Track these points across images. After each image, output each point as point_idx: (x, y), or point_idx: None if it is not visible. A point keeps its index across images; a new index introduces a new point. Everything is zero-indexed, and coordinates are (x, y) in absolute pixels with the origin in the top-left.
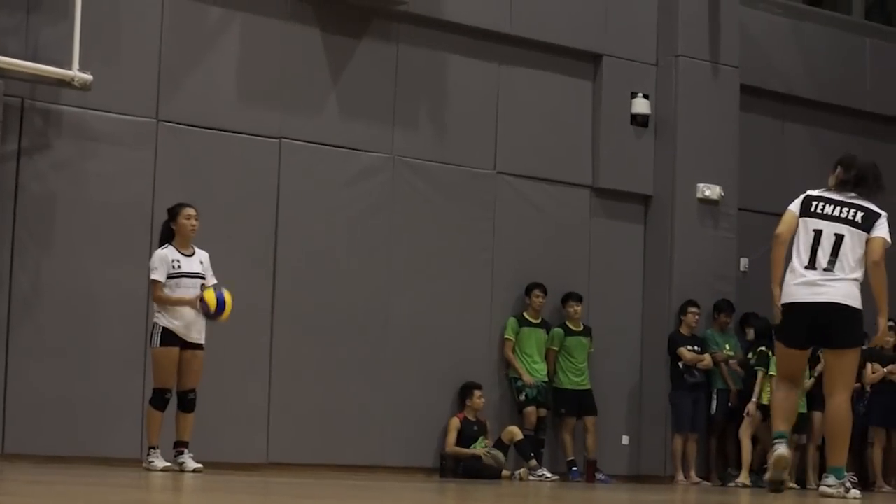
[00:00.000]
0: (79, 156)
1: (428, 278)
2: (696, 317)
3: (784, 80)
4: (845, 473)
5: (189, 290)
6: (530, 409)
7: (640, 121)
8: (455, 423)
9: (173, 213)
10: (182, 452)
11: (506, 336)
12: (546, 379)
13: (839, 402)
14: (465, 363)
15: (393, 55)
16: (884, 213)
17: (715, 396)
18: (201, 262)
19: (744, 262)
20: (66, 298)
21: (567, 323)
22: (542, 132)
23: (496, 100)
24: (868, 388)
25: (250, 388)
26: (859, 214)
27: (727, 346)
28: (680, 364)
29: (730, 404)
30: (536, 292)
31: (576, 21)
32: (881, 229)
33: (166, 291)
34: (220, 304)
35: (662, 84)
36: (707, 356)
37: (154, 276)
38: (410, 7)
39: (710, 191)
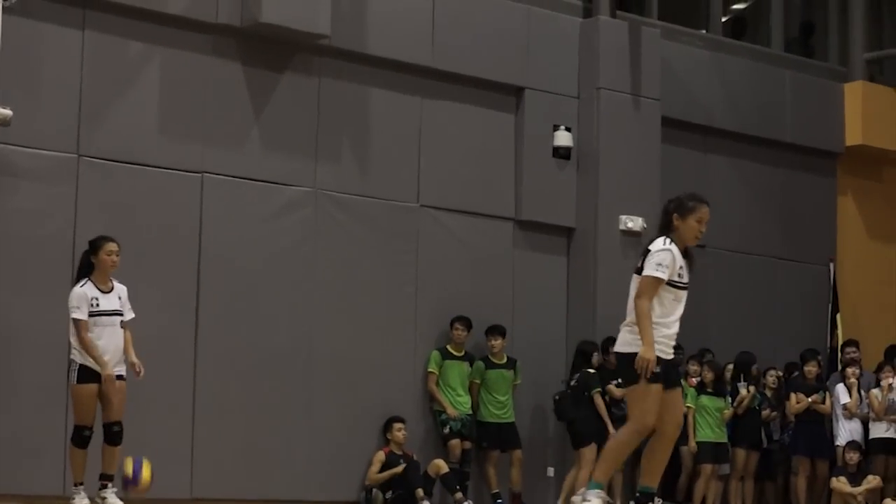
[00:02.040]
0: (0, 191)
1: (351, 312)
2: None
3: (706, 112)
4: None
5: (107, 328)
6: (454, 443)
7: (562, 153)
8: (380, 456)
9: (95, 246)
10: (105, 486)
11: (429, 369)
12: (470, 412)
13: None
14: (389, 397)
15: (315, 89)
16: (655, 248)
17: None
18: (119, 298)
19: None
20: None
21: (489, 356)
22: (464, 165)
23: (419, 133)
24: (792, 418)
25: (173, 424)
26: (640, 261)
27: None
28: (606, 398)
29: None
30: (458, 325)
31: (497, 54)
32: (646, 267)
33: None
34: (135, 474)
35: (584, 117)
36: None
37: (76, 316)
38: (332, 41)
39: (633, 223)
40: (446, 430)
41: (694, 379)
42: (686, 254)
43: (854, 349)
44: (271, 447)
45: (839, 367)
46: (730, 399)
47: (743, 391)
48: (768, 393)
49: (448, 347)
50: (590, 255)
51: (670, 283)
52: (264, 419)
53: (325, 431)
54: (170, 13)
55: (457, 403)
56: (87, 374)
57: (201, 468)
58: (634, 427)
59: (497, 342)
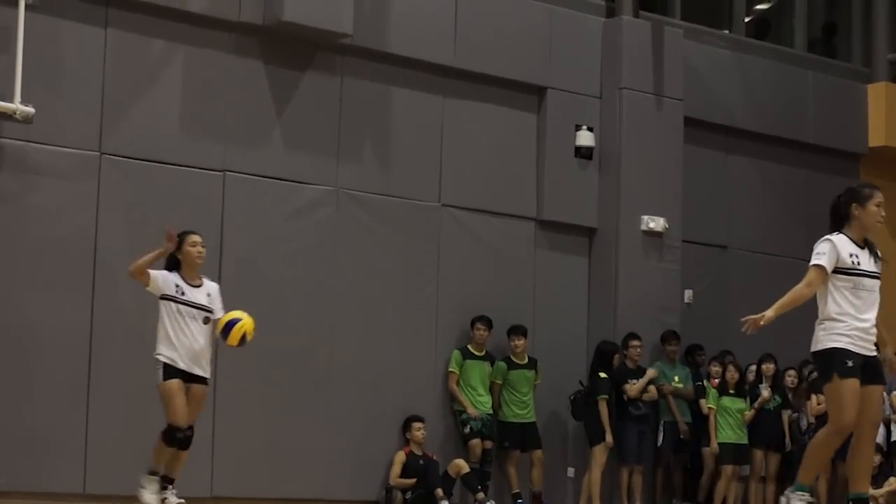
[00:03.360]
0: (21, 189)
1: (372, 311)
2: (638, 349)
3: (728, 112)
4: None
5: (190, 322)
6: (475, 442)
7: (584, 153)
8: (400, 456)
9: (177, 242)
10: (166, 488)
11: (450, 369)
12: (491, 411)
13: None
14: (410, 396)
15: (337, 88)
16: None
17: (661, 428)
18: (209, 295)
19: (688, 293)
20: (7, 331)
21: (511, 356)
22: (486, 165)
23: (440, 132)
24: (813, 420)
25: (196, 421)
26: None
27: (675, 378)
28: (625, 396)
29: (681, 437)
30: (479, 325)
31: (520, 54)
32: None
33: (164, 317)
34: (227, 328)
35: (606, 117)
36: (652, 388)
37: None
38: (355, 40)
39: (655, 223)
40: (467, 430)
41: (715, 380)
42: (866, 243)
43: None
44: (291, 446)
45: None
46: (750, 400)
47: (765, 393)
48: (789, 394)
49: (469, 347)
50: (611, 256)
51: (843, 272)
52: (284, 418)
53: (345, 431)
54: (192, 11)
55: (477, 403)
56: (173, 371)
57: (221, 467)
58: (832, 427)
59: (520, 342)
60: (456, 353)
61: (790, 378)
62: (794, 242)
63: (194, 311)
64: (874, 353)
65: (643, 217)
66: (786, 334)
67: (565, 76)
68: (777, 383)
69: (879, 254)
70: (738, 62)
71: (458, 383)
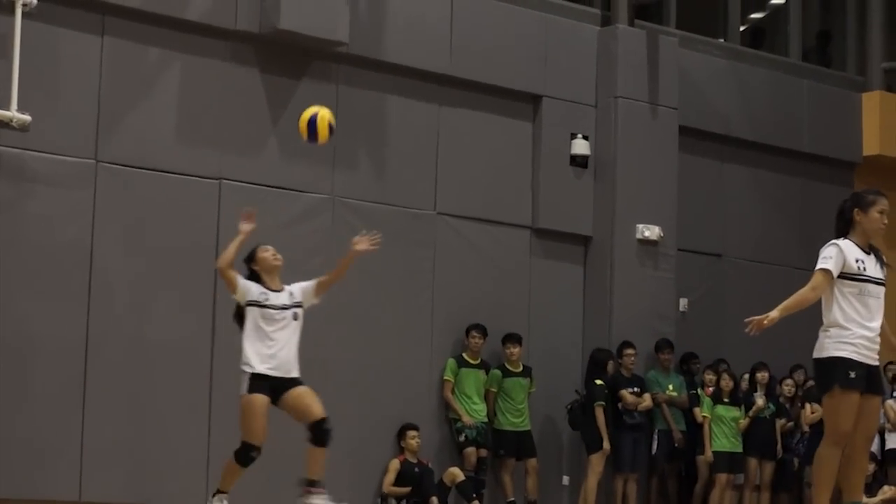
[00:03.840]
0: (17, 197)
1: (367, 319)
2: (633, 358)
3: (723, 121)
4: None
5: (280, 323)
6: (470, 450)
7: (579, 162)
8: (395, 464)
9: (250, 256)
10: (310, 493)
11: (445, 377)
12: (486, 420)
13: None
14: (405, 404)
15: (333, 96)
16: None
17: (656, 437)
18: (291, 293)
19: (683, 302)
20: (2, 339)
21: (506, 364)
22: (482, 173)
23: (436, 141)
24: (807, 429)
25: (190, 431)
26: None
27: (670, 387)
28: (619, 405)
29: (676, 445)
30: (474, 333)
31: (515, 62)
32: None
33: (248, 326)
34: (311, 129)
35: (602, 125)
36: (647, 397)
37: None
38: (350, 48)
39: (650, 231)
40: (462, 438)
41: (710, 388)
42: (871, 249)
43: None
44: (287, 454)
45: None
46: (745, 409)
47: (759, 401)
48: (785, 403)
49: (464, 355)
50: (606, 264)
51: (849, 277)
52: (280, 426)
53: (340, 439)
54: (189, 19)
55: (472, 411)
56: (259, 385)
57: (217, 474)
58: (829, 439)
59: (515, 350)
60: (451, 362)
61: (787, 387)
62: (789, 251)
63: (283, 311)
64: (876, 363)
65: (638, 225)
66: (780, 343)
67: (561, 85)
68: (771, 392)
69: (885, 260)
70: (733, 71)
71: (453, 391)
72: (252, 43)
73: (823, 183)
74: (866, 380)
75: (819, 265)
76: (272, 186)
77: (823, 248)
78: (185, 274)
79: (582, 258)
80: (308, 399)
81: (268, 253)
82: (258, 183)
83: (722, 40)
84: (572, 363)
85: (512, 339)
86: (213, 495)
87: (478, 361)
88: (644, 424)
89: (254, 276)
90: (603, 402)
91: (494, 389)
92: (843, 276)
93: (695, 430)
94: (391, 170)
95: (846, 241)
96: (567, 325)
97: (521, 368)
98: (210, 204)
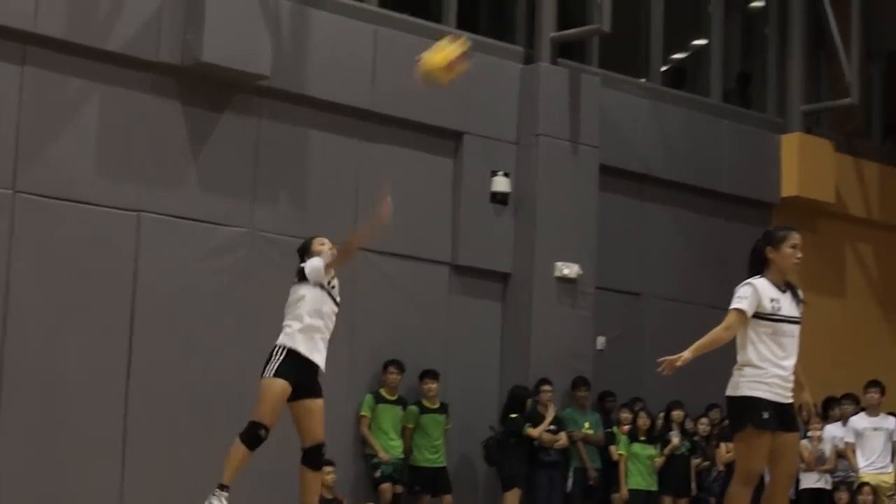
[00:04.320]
0: None
1: None
2: (549, 395)
3: (643, 160)
4: None
5: (331, 318)
6: (386, 486)
7: (499, 199)
8: None
9: (306, 247)
10: None
11: (361, 413)
12: (402, 456)
13: (730, 485)
14: (326, 441)
15: (254, 129)
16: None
17: (571, 475)
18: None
19: (601, 340)
20: None
21: (423, 400)
22: (402, 209)
23: (357, 176)
24: (722, 468)
25: (103, 465)
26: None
27: (586, 425)
28: (535, 442)
29: (591, 483)
30: (391, 369)
31: (437, 99)
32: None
33: (307, 306)
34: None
35: (523, 163)
36: (563, 435)
37: None
38: (272, 82)
39: (569, 269)
40: (378, 474)
41: (626, 426)
42: (788, 286)
43: None
44: (204, 488)
45: None
46: (660, 447)
47: (675, 440)
48: (700, 441)
49: (381, 391)
50: (525, 301)
51: (763, 317)
52: (196, 460)
53: (255, 473)
54: (110, 50)
55: (388, 447)
56: (287, 369)
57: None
58: (739, 477)
59: (432, 386)
60: (368, 397)
61: (703, 426)
62: (706, 290)
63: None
64: (790, 401)
65: (557, 263)
66: (697, 382)
67: (482, 122)
68: (687, 430)
69: (801, 297)
70: (655, 111)
71: (369, 427)
72: (174, 75)
73: (742, 223)
74: (780, 418)
75: (733, 304)
76: (192, 219)
77: (738, 287)
78: (102, 305)
79: (501, 295)
80: (318, 419)
81: (325, 246)
82: (177, 215)
83: (644, 80)
84: (489, 400)
85: (430, 375)
86: (215, 492)
87: (395, 397)
88: (559, 463)
89: None
90: (529, 424)
91: (411, 425)
92: (758, 315)
93: (610, 468)
94: (311, 204)
95: (762, 280)
96: (485, 362)
97: (437, 405)
98: (128, 236)
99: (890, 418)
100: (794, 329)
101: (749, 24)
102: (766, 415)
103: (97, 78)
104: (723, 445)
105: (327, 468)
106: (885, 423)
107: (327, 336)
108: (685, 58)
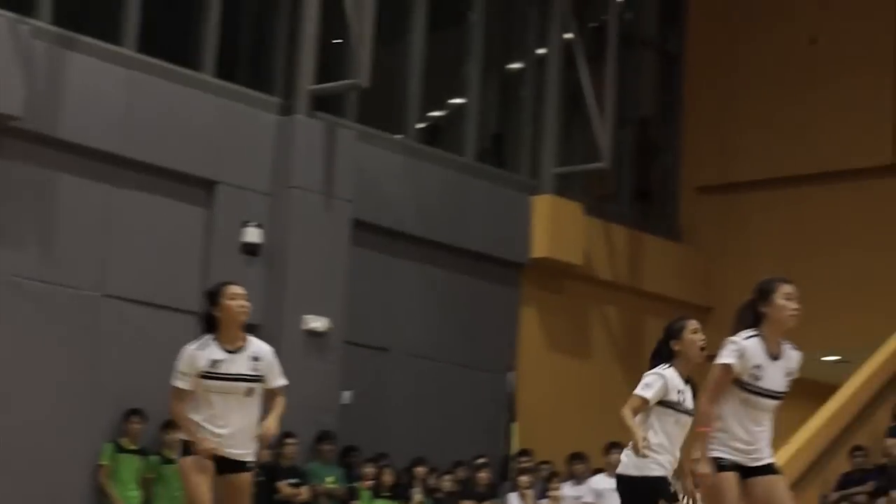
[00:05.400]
0: None
1: (25, 400)
2: (293, 447)
3: (397, 216)
4: None
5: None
6: None
7: (250, 250)
8: None
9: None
10: None
11: (101, 462)
12: None
13: None
14: (60, 489)
15: (2, 170)
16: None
17: None
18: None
19: (347, 394)
20: None
21: (165, 451)
22: (151, 256)
23: (107, 222)
24: None
25: None
26: None
27: (329, 479)
28: (275, 496)
29: None
30: (133, 418)
31: (191, 147)
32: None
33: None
34: None
35: (275, 214)
36: (305, 489)
37: None
38: (22, 123)
39: (318, 322)
40: None
41: (369, 481)
42: (688, 381)
43: (528, 458)
44: None
45: (512, 476)
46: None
47: (417, 496)
48: (443, 498)
49: (122, 441)
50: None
51: (670, 406)
52: None
53: None
54: None
55: (127, 498)
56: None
57: None
58: None
59: (175, 436)
60: (108, 447)
61: (446, 483)
62: (454, 348)
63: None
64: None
65: (306, 316)
66: (442, 439)
67: (236, 171)
68: (430, 487)
69: (697, 394)
70: (409, 167)
71: (109, 477)
72: None
73: (492, 282)
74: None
75: (639, 391)
76: None
77: (648, 374)
78: None
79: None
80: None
81: (234, 301)
82: None
83: (400, 136)
84: None
85: (171, 425)
86: None
87: (136, 447)
88: None
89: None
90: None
91: (152, 476)
92: (663, 403)
93: None
94: (58, 249)
95: (670, 370)
96: None
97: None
98: None
99: None
100: (689, 420)
101: (506, 86)
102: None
103: None
104: (464, 503)
105: None
106: None
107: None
108: (442, 116)
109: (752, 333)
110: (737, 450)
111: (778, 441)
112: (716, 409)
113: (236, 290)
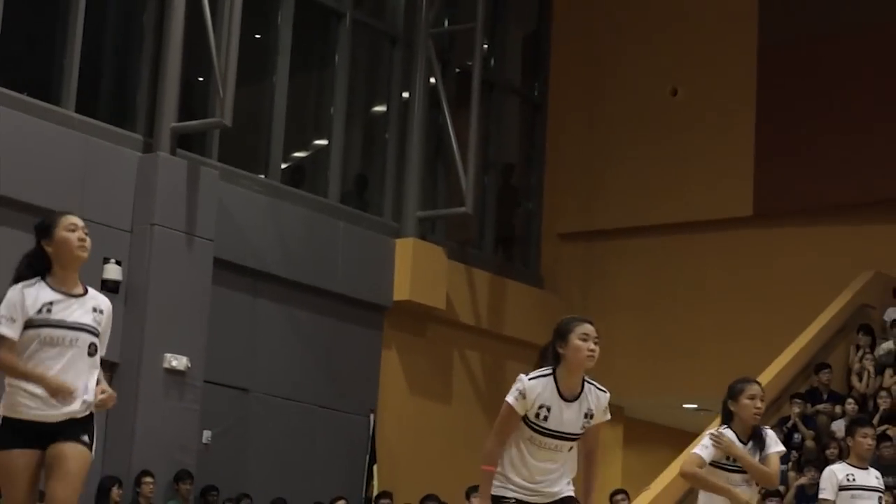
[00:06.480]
0: None
1: None
2: (151, 487)
3: (259, 256)
4: None
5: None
6: None
7: (110, 287)
8: None
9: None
10: None
11: None
12: None
13: None
14: None
15: None
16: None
17: None
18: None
19: (206, 434)
20: None
21: None
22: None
23: None
24: None
25: None
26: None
27: None
28: None
29: None
30: None
31: (52, 182)
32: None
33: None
34: None
35: (136, 251)
36: None
37: None
38: None
39: (177, 361)
40: None
41: None
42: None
43: (388, 501)
44: None
45: None
46: None
47: None
48: None
49: None
50: (131, 391)
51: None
52: None
53: None
54: None
55: None
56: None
57: None
58: None
59: None
60: None
61: None
62: (316, 390)
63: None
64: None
65: (166, 355)
66: (303, 478)
67: (97, 208)
68: None
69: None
70: (273, 208)
71: None
72: None
73: (354, 325)
74: None
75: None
76: None
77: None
78: None
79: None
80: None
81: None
82: None
83: (263, 176)
84: (89, 491)
85: None
86: None
87: None
88: None
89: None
90: None
91: None
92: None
93: None
94: None
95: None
96: None
97: None
98: None
99: None
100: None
101: (370, 128)
102: None
103: None
104: None
105: None
106: None
107: None
108: (305, 157)
109: (542, 373)
110: (521, 487)
111: (639, 485)
112: (501, 448)
113: (75, 220)
